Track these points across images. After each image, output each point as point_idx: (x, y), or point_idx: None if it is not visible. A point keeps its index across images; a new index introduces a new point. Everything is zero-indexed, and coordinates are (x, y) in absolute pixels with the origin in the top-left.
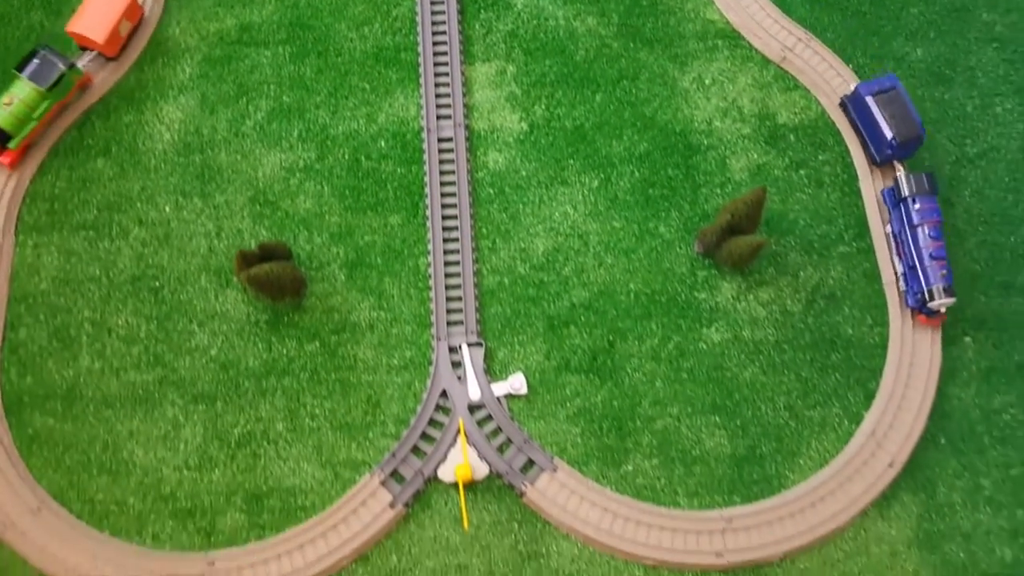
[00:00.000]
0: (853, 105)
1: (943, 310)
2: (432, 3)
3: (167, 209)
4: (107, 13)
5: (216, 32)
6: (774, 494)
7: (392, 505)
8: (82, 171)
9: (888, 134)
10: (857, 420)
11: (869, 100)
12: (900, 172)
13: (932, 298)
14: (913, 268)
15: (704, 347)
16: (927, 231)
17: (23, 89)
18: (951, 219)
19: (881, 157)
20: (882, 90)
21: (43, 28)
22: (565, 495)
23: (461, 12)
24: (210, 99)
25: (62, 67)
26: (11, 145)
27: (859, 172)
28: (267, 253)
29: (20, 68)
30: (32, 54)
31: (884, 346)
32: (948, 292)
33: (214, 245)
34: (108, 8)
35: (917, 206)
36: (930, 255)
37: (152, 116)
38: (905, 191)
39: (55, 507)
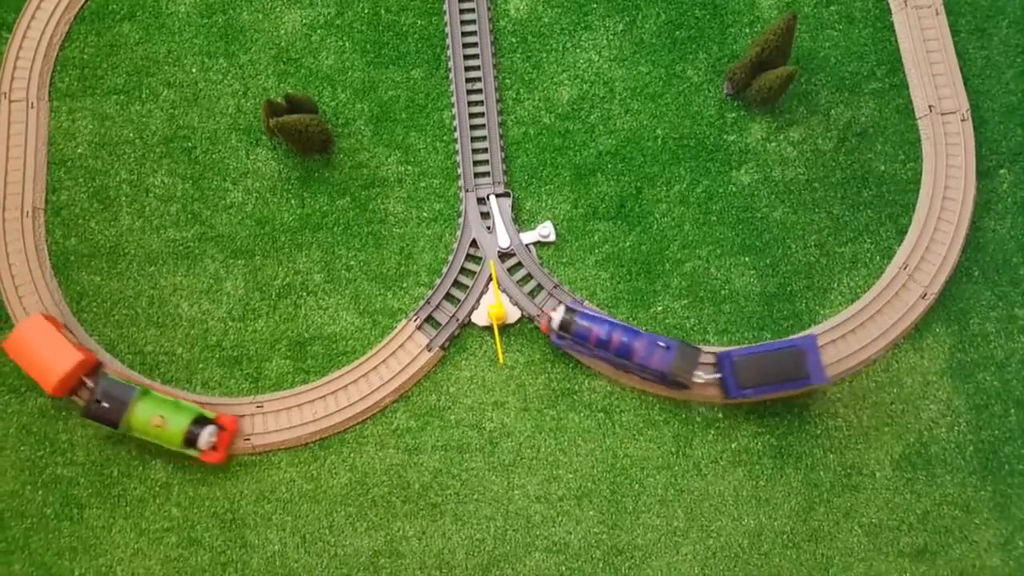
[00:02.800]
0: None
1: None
2: None
3: (194, 71)
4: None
5: None
6: (804, 329)
7: (429, 348)
8: (109, 36)
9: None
10: (889, 255)
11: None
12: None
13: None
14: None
15: (734, 189)
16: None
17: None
18: (988, 51)
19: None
20: (785, 347)
21: None
22: None
23: None
24: None
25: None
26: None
27: (892, 6)
28: (294, 104)
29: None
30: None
31: (917, 181)
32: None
33: (242, 104)
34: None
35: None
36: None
37: None
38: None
39: (108, 358)
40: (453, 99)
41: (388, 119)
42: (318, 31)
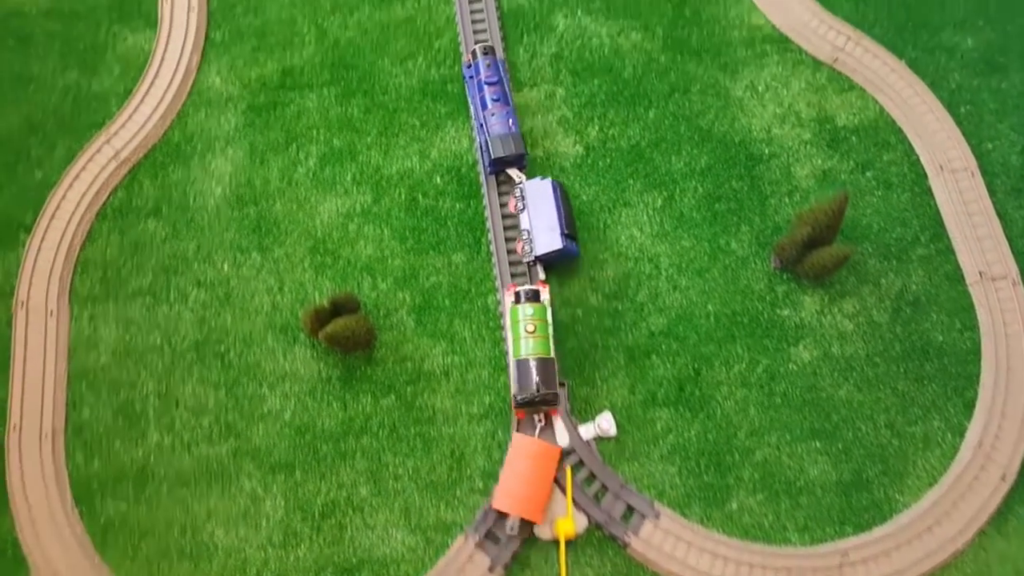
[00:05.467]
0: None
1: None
2: (475, 33)
3: (226, 267)
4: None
5: (258, 79)
6: (886, 520)
7: (491, 569)
8: (133, 234)
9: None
10: (960, 432)
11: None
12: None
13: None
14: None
15: (794, 368)
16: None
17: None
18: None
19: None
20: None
21: (80, 88)
22: (671, 543)
23: (504, 40)
24: (259, 148)
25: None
26: None
27: (928, 171)
28: (338, 307)
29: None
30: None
31: (977, 351)
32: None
33: (277, 301)
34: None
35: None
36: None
37: (201, 171)
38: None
39: None
40: (497, 283)
41: (431, 307)
42: (355, 220)
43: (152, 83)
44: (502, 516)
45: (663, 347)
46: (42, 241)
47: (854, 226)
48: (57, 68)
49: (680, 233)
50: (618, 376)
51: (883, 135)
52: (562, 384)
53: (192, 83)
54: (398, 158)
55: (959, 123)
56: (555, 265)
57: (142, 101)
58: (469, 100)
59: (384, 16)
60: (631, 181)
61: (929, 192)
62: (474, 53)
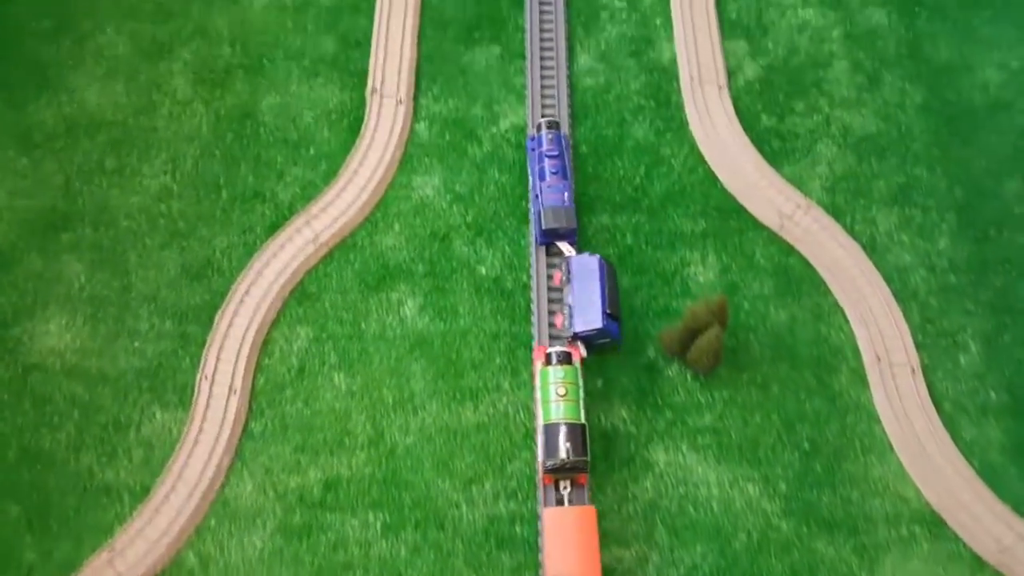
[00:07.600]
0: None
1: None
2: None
3: None
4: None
5: (296, 489)
6: None
7: None
8: None
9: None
10: None
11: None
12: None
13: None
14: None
15: None
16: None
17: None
18: None
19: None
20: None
21: (92, 477)
22: None
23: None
24: None
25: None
26: None
27: None
28: None
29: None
30: None
31: None
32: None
33: None
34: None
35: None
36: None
37: None
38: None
39: None
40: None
41: None
42: None
43: (174, 487)
44: None
45: None
46: None
47: None
48: (71, 446)
49: None
50: None
51: None
52: None
53: (219, 488)
54: None
55: None
56: (595, 344)
57: (157, 511)
58: (529, 170)
59: (452, 420)
60: None
61: None
62: (539, 126)
